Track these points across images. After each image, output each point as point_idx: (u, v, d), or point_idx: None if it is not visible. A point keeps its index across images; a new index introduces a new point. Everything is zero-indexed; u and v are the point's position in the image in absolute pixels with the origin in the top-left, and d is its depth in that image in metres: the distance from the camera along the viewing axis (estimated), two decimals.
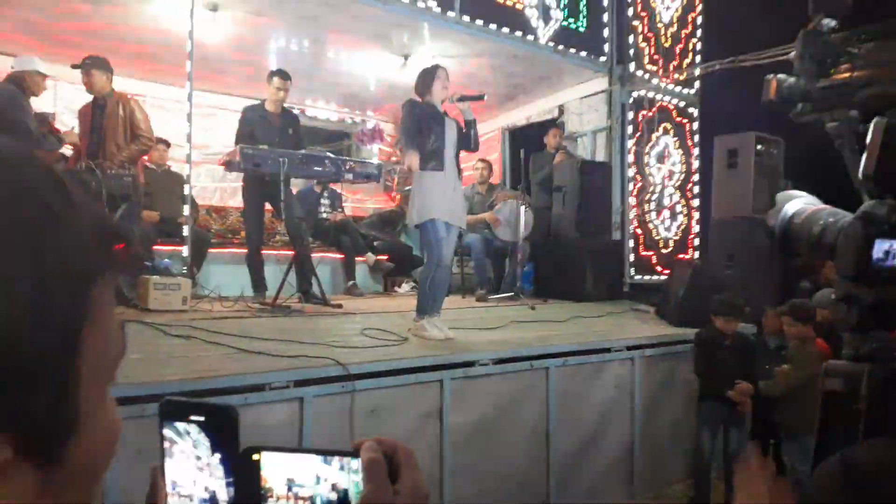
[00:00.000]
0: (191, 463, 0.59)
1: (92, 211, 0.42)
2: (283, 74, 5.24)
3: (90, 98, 4.70)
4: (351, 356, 3.24)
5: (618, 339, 4.39)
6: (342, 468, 0.59)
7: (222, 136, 6.93)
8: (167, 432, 0.60)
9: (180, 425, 0.59)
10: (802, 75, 1.70)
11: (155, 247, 5.28)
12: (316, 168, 5.03)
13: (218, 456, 0.59)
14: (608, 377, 4.22)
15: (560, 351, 3.95)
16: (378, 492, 0.58)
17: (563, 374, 3.92)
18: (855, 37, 1.66)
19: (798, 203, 1.27)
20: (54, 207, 0.39)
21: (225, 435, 0.59)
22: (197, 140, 5.73)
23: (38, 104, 4.83)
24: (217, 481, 0.59)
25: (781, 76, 1.74)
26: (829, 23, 1.73)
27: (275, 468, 0.59)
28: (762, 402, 3.94)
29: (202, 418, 0.59)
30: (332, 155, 5.19)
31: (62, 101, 6.30)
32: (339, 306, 4.98)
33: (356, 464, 0.59)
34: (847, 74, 1.60)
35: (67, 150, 4.86)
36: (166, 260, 4.92)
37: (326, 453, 0.59)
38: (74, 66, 4.57)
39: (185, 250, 4.98)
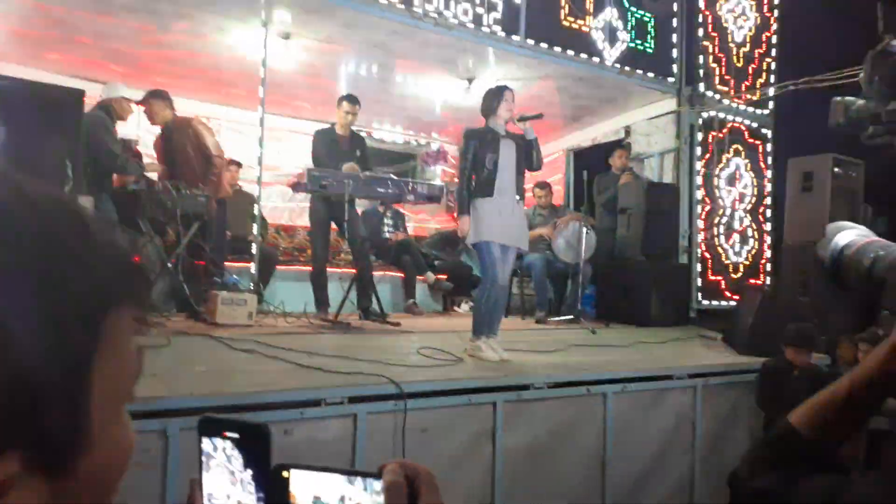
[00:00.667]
0: (225, 477, 0.62)
1: (111, 248, 0.47)
2: (351, 99, 5.41)
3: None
4: (405, 375, 3.28)
5: (680, 365, 4.26)
6: (365, 489, 0.61)
7: (293, 158, 7.19)
8: (205, 447, 0.63)
9: (217, 441, 0.62)
10: (872, 97, 1.65)
11: (226, 263, 5.51)
12: (379, 189, 5.17)
13: (250, 472, 0.61)
14: (669, 405, 4.09)
15: (619, 377, 3.87)
16: None
17: (621, 400, 3.84)
18: None
19: (849, 234, 1.23)
20: (72, 247, 0.44)
21: (257, 452, 0.61)
22: (268, 162, 5.97)
23: (124, 129, 5.17)
24: (249, 496, 0.62)
25: (850, 98, 1.69)
26: None
27: (303, 485, 0.61)
28: None
29: (236, 435, 0.62)
30: (395, 176, 5.31)
31: (145, 125, 6.70)
32: (398, 324, 5.05)
33: (378, 485, 0.61)
34: None
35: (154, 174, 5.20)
36: (235, 276, 5.13)
37: (351, 473, 0.61)
38: (138, 103, 4.84)
39: (252, 267, 5.17)
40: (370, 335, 4.63)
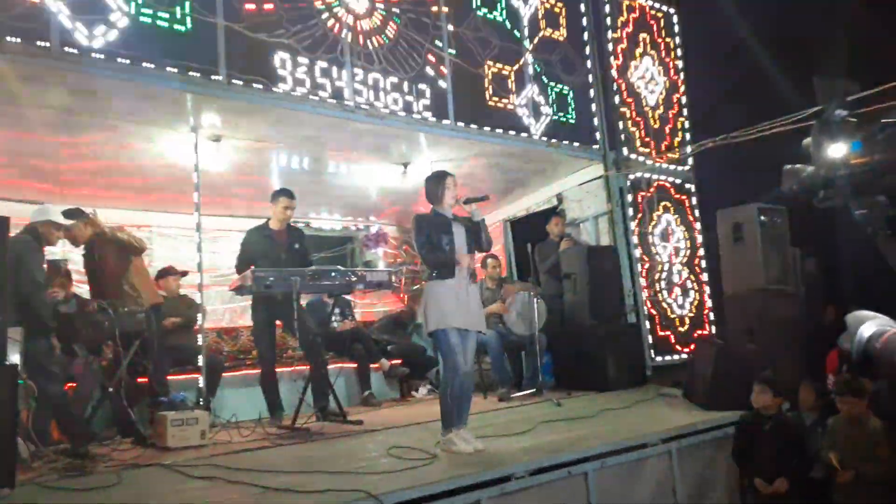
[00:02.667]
0: None
1: None
2: (289, 194, 5.33)
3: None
4: (382, 483, 3.11)
5: (652, 432, 4.24)
6: None
7: (229, 258, 6.98)
8: None
9: None
10: (821, 164, 1.72)
11: (169, 376, 5.20)
12: (326, 282, 5.03)
13: None
14: (648, 474, 4.05)
15: (595, 453, 3.80)
16: None
17: (602, 477, 3.77)
18: (869, 123, 1.69)
19: (872, 326, 1.25)
20: None
21: None
22: (205, 262, 5.78)
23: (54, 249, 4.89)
24: None
25: (799, 166, 1.76)
26: (841, 112, 1.77)
27: None
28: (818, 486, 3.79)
29: None
30: (340, 268, 5.21)
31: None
32: (360, 423, 4.84)
33: None
34: (867, 159, 1.62)
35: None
36: (182, 393, 4.83)
37: None
38: (60, 225, 4.58)
39: (200, 380, 4.90)
40: (333, 440, 4.41)
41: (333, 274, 5.02)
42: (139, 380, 4.89)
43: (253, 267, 4.67)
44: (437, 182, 4.10)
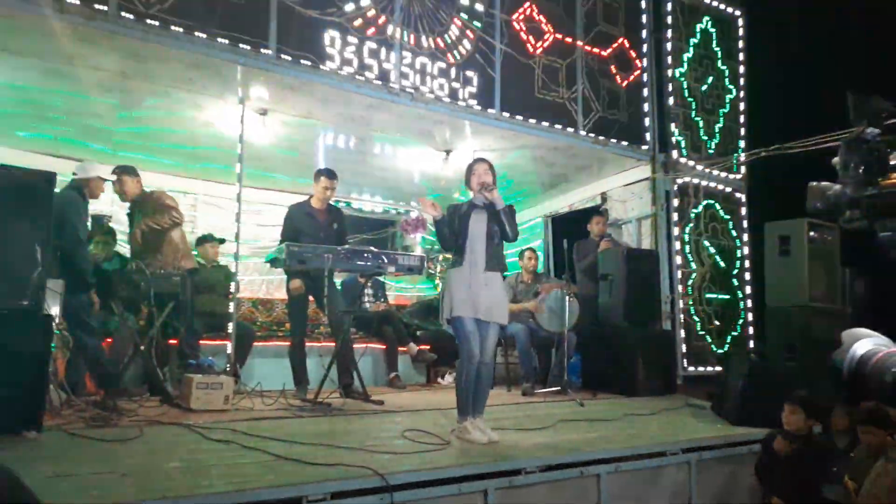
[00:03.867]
0: None
1: None
2: (329, 174, 5.37)
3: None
4: (391, 463, 3.13)
5: (673, 440, 4.14)
6: None
7: (270, 231, 7.11)
8: None
9: None
10: (848, 183, 1.65)
11: (202, 341, 5.33)
12: (359, 262, 5.07)
13: None
14: (665, 482, 3.95)
15: (611, 456, 3.74)
16: None
17: (615, 480, 3.69)
18: None
19: (867, 343, 1.18)
20: None
21: None
22: (247, 234, 5.89)
23: (99, 205, 5.06)
24: None
25: (825, 184, 1.69)
26: (873, 131, 1.68)
27: None
28: None
29: None
30: (374, 249, 5.23)
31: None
32: (381, 403, 4.88)
33: None
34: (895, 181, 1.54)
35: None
36: (210, 358, 4.95)
37: None
38: (105, 179, 4.74)
39: (229, 347, 5.00)
40: (352, 417, 4.45)
41: (366, 254, 5.06)
42: (171, 341, 5.03)
43: (287, 242, 4.74)
44: (469, 167, 4.08)
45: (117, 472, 2.83)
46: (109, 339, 4.91)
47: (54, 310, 3.83)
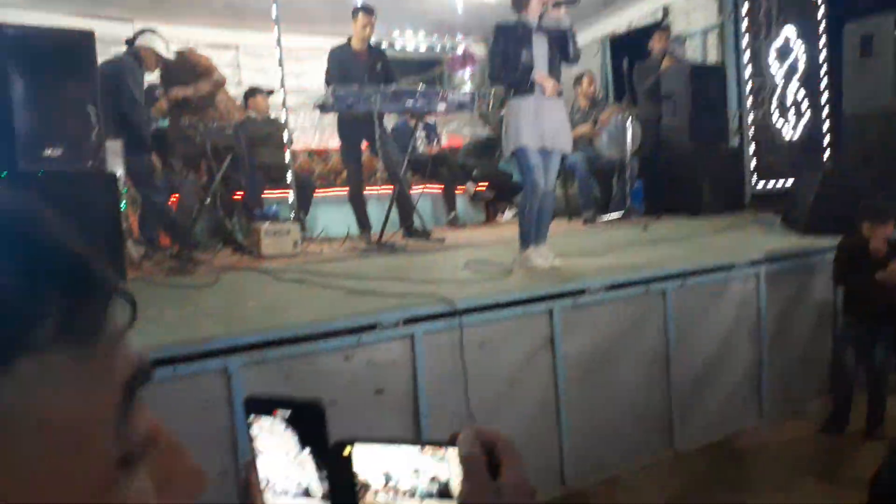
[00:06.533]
0: (281, 458, 0.58)
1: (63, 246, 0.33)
2: (367, 10, 5.10)
3: None
4: (457, 291, 3.21)
5: (740, 254, 4.08)
6: (441, 459, 0.56)
7: (316, 79, 6.94)
8: (255, 428, 0.58)
9: (267, 419, 0.57)
10: None
11: (263, 194, 5.44)
12: (408, 102, 4.94)
13: (308, 450, 0.57)
14: (731, 296, 3.95)
15: (677, 272, 3.72)
16: (477, 491, 0.52)
17: (681, 296, 3.71)
18: None
19: None
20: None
21: (313, 429, 0.57)
22: (292, 84, 5.76)
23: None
24: (309, 475, 0.57)
25: None
26: None
27: (369, 461, 0.57)
28: None
29: (288, 412, 0.57)
30: (422, 87, 5.07)
31: None
32: (443, 240, 4.96)
33: (454, 454, 0.55)
34: None
35: None
36: (274, 207, 5.06)
37: (422, 444, 0.57)
38: (129, 41, 4.60)
39: (290, 196, 5.09)
40: (416, 254, 4.56)
41: (415, 93, 4.91)
42: (235, 196, 5.16)
43: (333, 85, 4.63)
44: None
45: (201, 313, 3.02)
46: (176, 197, 5.06)
47: (118, 171, 3.93)
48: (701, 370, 3.78)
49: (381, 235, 4.87)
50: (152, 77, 4.91)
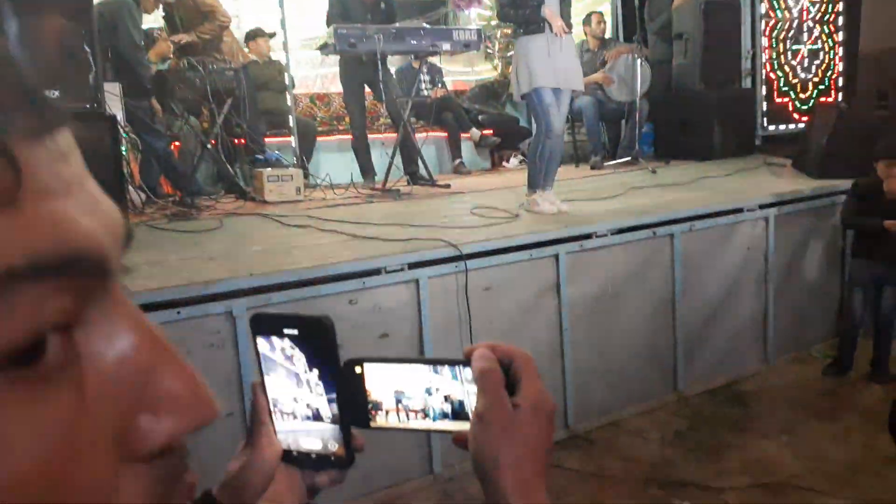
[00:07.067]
0: (289, 379, 0.56)
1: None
2: None
3: None
4: (462, 236, 3.18)
5: (749, 197, 4.02)
6: (455, 377, 0.55)
7: (317, 20, 6.75)
8: (261, 348, 0.56)
9: (275, 340, 0.55)
10: None
11: (265, 139, 5.36)
12: (412, 41, 4.81)
13: (317, 371, 0.55)
14: (740, 239, 3.91)
15: (685, 216, 3.67)
16: (495, 406, 0.51)
17: (689, 239, 3.67)
18: None
19: None
20: None
21: (321, 348, 0.55)
22: (292, 26, 5.60)
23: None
24: (318, 397, 0.56)
25: None
26: None
27: (380, 380, 0.56)
28: None
29: (295, 332, 0.55)
30: (427, 25, 4.92)
31: None
32: (448, 186, 4.90)
33: (468, 372, 0.54)
34: None
35: None
36: (276, 152, 5.00)
37: (435, 363, 0.55)
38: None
39: (293, 141, 5.02)
40: (421, 200, 4.51)
41: (419, 31, 4.77)
42: (237, 141, 5.08)
43: (334, 25, 4.49)
44: None
45: (205, 256, 3.01)
46: (177, 144, 5.00)
47: (118, 115, 3.86)
48: (707, 314, 3.77)
49: (385, 181, 4.81)
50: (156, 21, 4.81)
